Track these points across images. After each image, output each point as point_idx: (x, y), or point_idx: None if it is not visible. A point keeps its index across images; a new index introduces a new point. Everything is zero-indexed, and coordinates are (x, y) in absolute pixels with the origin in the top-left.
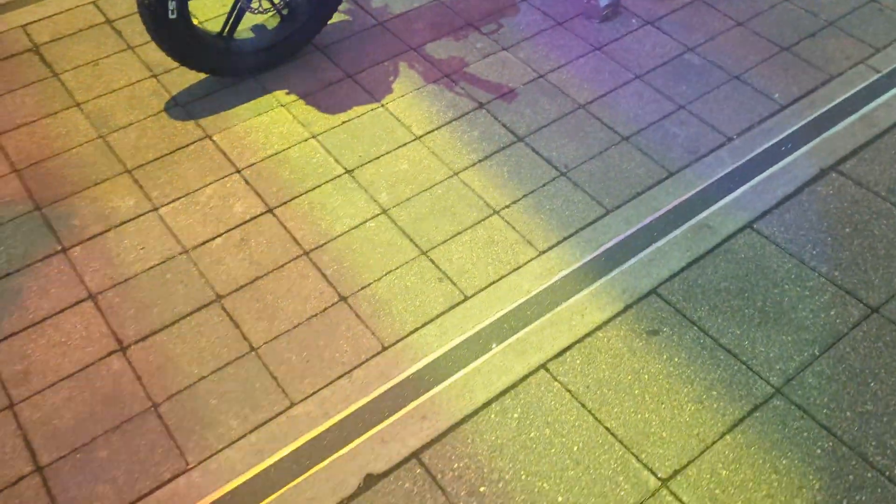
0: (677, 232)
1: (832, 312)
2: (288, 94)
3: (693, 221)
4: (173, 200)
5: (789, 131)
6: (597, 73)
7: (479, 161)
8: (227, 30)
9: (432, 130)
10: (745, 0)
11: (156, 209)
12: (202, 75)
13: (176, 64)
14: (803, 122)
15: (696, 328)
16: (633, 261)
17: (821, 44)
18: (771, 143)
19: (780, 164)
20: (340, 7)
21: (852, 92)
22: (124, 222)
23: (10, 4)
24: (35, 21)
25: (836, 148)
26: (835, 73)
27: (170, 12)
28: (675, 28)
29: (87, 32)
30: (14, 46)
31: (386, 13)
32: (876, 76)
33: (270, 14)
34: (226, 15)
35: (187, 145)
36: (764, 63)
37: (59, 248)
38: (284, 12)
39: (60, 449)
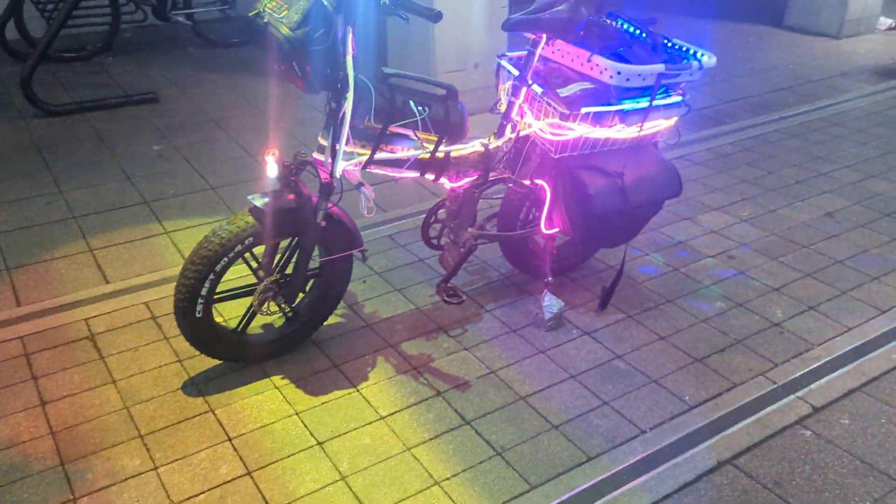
0: None
1: None
2: (283, 378)
3: (603, 500)
4: (172, 461)
5: (694, 428)
6: (539, 371)
7: (430, 439)
8: (241, 326)
9: (395, 412)
10: (668, 319)
11: (156, 468)
12: (218, 360)
13: (197, 351)
14: (707, 421)
15: None
16: None
17: (728, 358)
18: (678, 437)
19: (684, 455)
20: (337, 311)
21: (751, 398)
22: (128, 478)
23: (81, 302)
24: (97, 315)
25: (733, 444)
26: (738, 381)
27: (196, 312)
28: (608, 338)
29: (135, 325)
30: (75, 335)
31: (374, 317)
32: (772, 386)
33: (278, 315)
34: (241, 314)
35: (193, 417)
36: (679, 371)
37: (71, 497)
38: (289, 314)
39: None
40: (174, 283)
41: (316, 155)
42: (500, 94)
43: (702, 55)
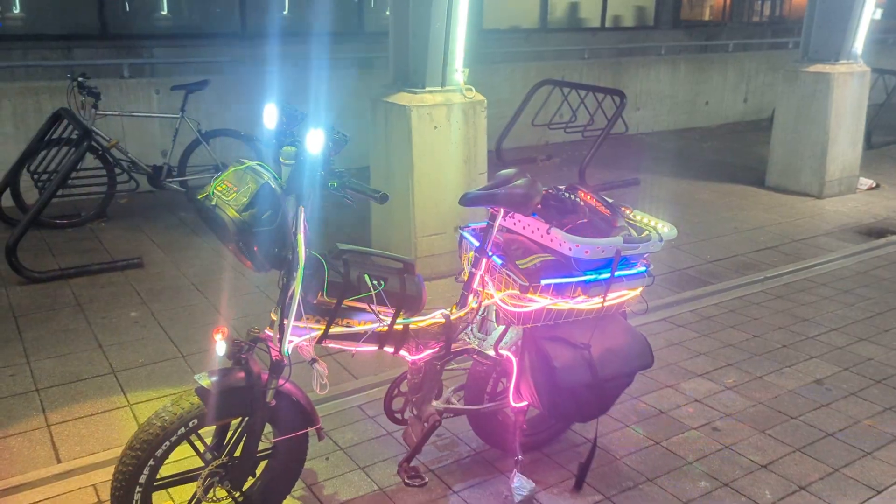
0: None
1: None
2: None
3: None
4: None
5: None
6: None
7: None
8: None
9: None
10: (648, 501)
11: None
12: None
13: None
14: None
15: None
16: None
17: None
18: None
19: None
20: (294, 491)
21: None
22: None
23: (27, 485)
24: (40, 500)
25: None
26: None
27: (133, 502)
28: None
29: None
30: None
31: (333, 500)
32: None
33: (226, 501)
34: (186, 501)
35: None
36: None
37: None
38: (239, 500)
39: None
40: None
41: (268, 331)
42: (463, 263)
43: (662, 227)
